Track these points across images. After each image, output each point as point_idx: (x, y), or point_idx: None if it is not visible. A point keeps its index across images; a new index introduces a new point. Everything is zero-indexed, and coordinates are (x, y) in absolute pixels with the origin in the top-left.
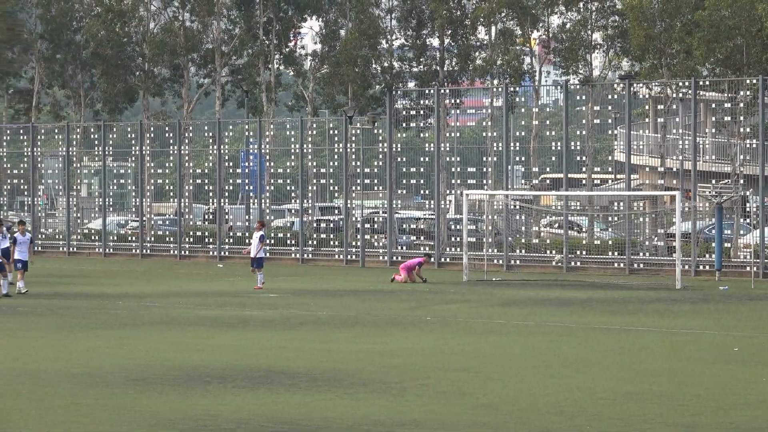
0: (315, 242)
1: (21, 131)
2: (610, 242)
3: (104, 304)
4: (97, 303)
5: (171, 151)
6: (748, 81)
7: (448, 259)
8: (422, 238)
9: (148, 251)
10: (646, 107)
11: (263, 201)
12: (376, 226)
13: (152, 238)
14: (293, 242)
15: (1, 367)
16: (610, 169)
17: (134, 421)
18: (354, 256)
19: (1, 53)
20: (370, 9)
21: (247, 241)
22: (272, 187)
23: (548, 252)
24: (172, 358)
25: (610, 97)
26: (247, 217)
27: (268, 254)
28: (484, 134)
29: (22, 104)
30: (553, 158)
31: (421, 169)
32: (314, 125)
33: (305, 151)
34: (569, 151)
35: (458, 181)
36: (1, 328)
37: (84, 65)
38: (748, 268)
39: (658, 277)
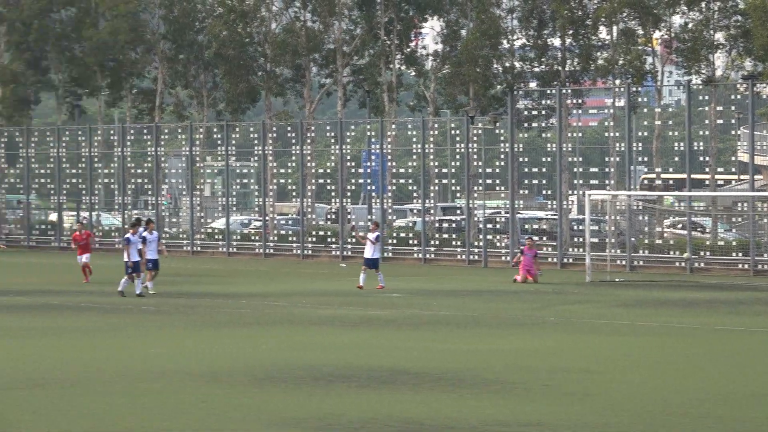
0: (437, 242)
1: (145, 131)
2: (734, 243)
3: (229, 303)
4: (221, 302)
5: (293, 151)
6: None
7: (570, 260)
8: (544, 238)
9: (271, 251)
10: None
11: (385, 201)
12: (498, 226)
13: (275, 238)
14: (415, 242)
15: (129, 366)
16: (733, 170)
17: (260, 420)
18: (476, 256)
19: (124, 54)
20: (491, 9)
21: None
22: (394, 187)
23: (671, 253)
24: (296, 357)
25: (733, 97)
26: (369, 216)
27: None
28: (606, 134)
29: (146, 104)
30: (676, 159)
31: (543, 169)
32: (436, 125)
33: (427, 151)
34: (692, 151)
35: (580, 182)
36: (128, 327)
37: (206, 65)
38: None
39: None
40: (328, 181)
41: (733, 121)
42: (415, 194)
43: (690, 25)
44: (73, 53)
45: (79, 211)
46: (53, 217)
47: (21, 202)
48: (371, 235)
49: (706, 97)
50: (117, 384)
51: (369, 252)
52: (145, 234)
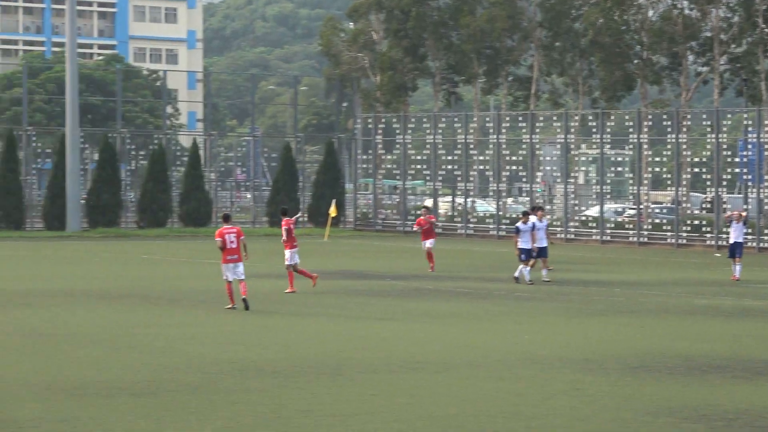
0: None
1: (520, 118)
2: None
3: (601, 291)
4: (594, 290)
5: (668, 139)
6: None
7: None
8: None
9: (645, 239)
10: None
11: (761, 191)
12: None
13: (649, 226)
14: None
15: (502, 352)
16: None
17: (634, 409)
18: None
19: (501, 41)
20: None
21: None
22: None
23: None
24: (670, 347)
25: None
26: (744, 206)
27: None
28: None
29: (521, 91)
30: None
31: None
32: None
33: None
34: None
35: None
36: (501, 313)
37: (582, 53)
38: None
39: None
40: (704, 170)
41: None
42: None
43: None
44: (451, 41)
45: (454, 197)
46: (428, 202)
47: (397, 187)
48: (736, 225)
49: None
50: (490, 369)
51: (733, 237)
52: (534, 221)
